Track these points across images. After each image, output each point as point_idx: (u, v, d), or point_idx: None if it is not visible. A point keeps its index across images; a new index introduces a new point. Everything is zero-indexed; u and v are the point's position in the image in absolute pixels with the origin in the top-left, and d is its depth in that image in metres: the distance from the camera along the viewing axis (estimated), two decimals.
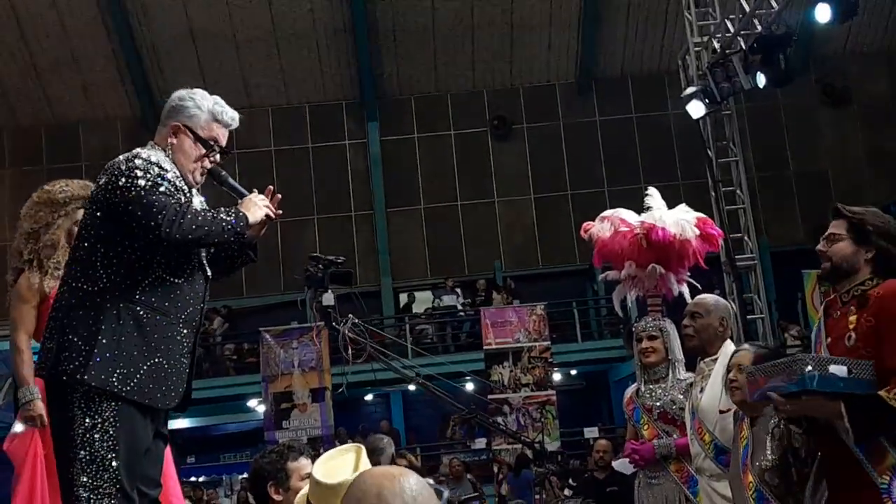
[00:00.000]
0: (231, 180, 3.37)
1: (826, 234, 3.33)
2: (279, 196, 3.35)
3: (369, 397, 18.27)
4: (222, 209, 3.15)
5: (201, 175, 3.27)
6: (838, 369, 3.00)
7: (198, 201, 3.28)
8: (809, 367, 2.99)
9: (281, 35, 19.04)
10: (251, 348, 17.04)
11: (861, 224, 3.25)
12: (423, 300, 19.14)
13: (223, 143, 3.29)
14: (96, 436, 2.89)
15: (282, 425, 14.93)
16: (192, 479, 16.44)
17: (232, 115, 3.30)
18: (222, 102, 3.30)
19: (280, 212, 3.29)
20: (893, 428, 2.99)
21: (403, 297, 19.61)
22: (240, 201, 3.27)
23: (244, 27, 18.82)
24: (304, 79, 19.82)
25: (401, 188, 19.89)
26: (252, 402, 17.26)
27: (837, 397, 3.01)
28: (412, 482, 1.88)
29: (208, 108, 3.24)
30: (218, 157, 3.29)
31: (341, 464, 3.01)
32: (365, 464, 2.97)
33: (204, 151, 3.23)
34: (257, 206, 3.23)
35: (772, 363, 3.34)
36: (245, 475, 13.74)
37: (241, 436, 19.17)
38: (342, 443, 14.62)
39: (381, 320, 17.58)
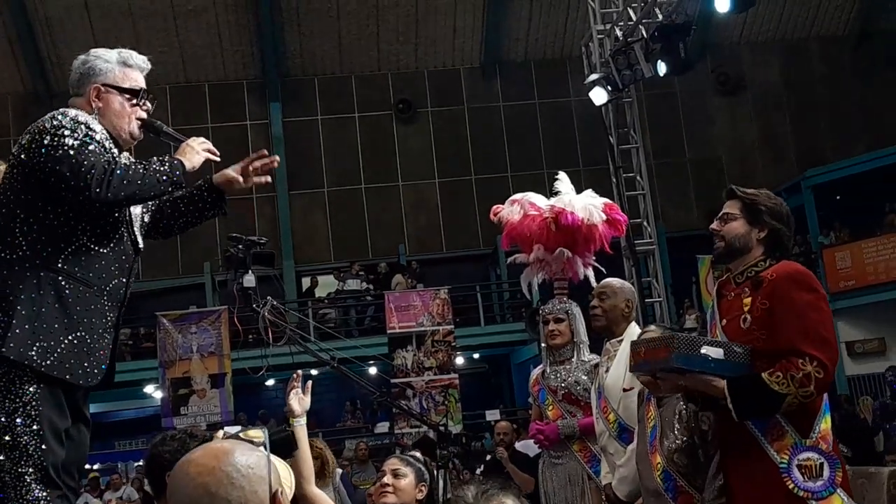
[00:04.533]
0: (167, 128, 3.20)
1: (720, 213, 3.38)
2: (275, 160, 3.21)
3: (270, 382, 18.01)
4: (155, 159, 2.96)
5: (138, 129, 3.12)
6: (713, 351, 3.05)
7: (125, 156, 3.10)
8: (676, 349, 3.04)
9: (179, 9, 18.50)
10: (148, 332, 16.61)
11: (753, 204, 3.31)
12: (325, 284, 18.96)
13: (144, 86, 3.14)
14: (18, 420, 2.71)
15: (180, 411, 14.62)
16: (86, 466, 15.99)
17: (141, 57, 3.17)
18: (125, 50, 3.17)
19: (218, 158, 3.13)
20: (773, 410, 3.03)
21: (306, 281, 19.40)
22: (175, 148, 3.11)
23: (141, 0, 18.22)
24: (203, 56, 19.33)
25: (303, 170, 19.63)
26: (149, 388, 16.83)
27: (703, 374, 3.07)
28: (243, 460, 1.70)
29: (115, 59, 3.11)
30: (149, 103, 3.14)
31: None
32: None
33: (133, 101, 3.09)
34: (195, 151, 3.07)
35: (652, 338, 3.42)
36: (141, 462, 13.40)
37: (138, 422, 18.69)
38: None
39: (283, 304, 17.32)
